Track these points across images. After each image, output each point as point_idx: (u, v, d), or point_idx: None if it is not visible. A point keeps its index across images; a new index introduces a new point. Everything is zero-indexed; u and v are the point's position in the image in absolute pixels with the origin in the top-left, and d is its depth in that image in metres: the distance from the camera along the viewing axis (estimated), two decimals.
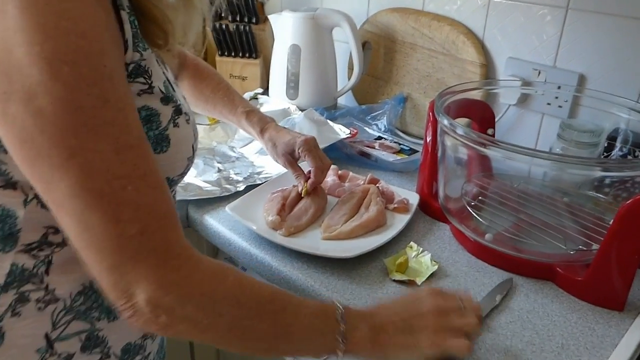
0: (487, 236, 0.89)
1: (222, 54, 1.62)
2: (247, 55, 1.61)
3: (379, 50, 1.44)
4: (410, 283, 0.84)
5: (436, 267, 0.87)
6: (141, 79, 0.59)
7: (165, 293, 0.52)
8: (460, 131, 0.85)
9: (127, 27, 0.56)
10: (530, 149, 0.77)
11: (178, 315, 0.53)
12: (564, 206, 0.97)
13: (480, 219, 0.93)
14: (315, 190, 1.01)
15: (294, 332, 0.59)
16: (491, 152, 0.82)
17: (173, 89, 0.67)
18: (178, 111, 0.64)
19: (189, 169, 0.70)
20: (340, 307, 0.63)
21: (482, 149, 0.83)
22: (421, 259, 0.89)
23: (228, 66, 1.63)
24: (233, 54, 1.61)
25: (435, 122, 0.97)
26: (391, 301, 0.68)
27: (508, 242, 0.88)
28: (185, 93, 1.04)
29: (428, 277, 0.86)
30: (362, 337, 0.62)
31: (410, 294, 0.70)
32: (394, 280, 0.85)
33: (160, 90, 0.61)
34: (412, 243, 0.93)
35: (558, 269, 0.84)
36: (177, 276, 0.53)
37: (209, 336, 0.56)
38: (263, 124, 1.04)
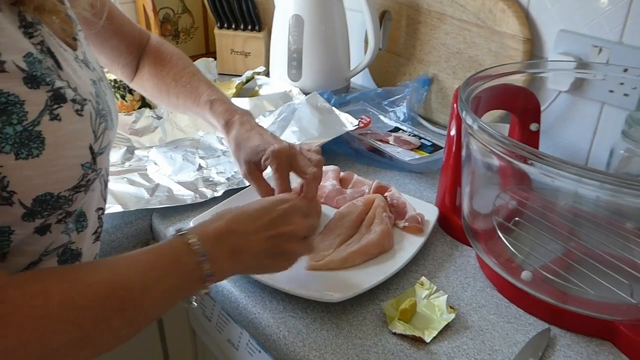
0: (525, 274, 0.67)
1: (221, 27, 1.41)
2: (249, 27, 1.39)
3: (401, 21, 1.20)
4: (415, 340, 0.63)
5: (453, 315, 0.66)
6: None
7: None
8: (486, 136, 0.62)
9: None
10: (591, 170, 0.54)
11: None
12: (627, 235, 0.73)
13: (515, 250, 0.70)
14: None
15: (151, 306, 0.50)
16: (530, 169, 0.59)
17: (58, 65, 0.49)
18: (57, 98, 0.46)
19: (90, 180, 0.52)
20: (194, 239, 0.53)
21: (516, 162, 0.60)
22: (434, 302, 0.68)
23: (228, 40, 1.42)
24: (234, 26, 1.40)
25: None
26: (250, 206, 0.61)
27: (552, 285, 0.66)
28: (146, 85, 0.87)
29: (441, 330, 0.64)
30: (224, 267, 0.56)
31: (272, 199, 0.64)
32: (394, 334, 0.64)
33: (18, 67, 0.43)
34: (423, 278, 0.71)
35: (621, 327, 0.61)
36: None
37: None
38: (229, 115, 0.79)
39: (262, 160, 0.72)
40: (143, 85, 0.89)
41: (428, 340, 0.63)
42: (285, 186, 0.71)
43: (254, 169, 0.75)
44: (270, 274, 0.66)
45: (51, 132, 0.45)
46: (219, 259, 0.55)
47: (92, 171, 0.51)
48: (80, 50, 0.56)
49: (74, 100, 0.48)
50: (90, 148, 0.50)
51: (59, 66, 0.49)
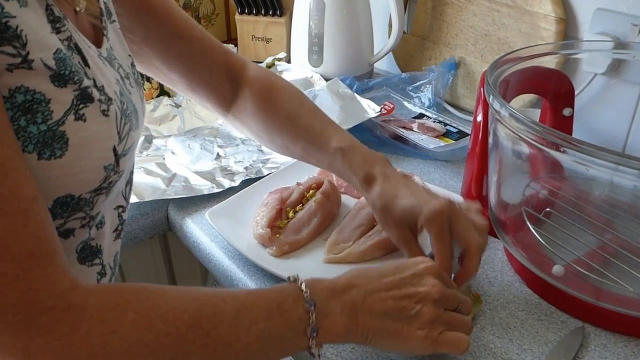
0: (556, 269, 0.63)
1: (242, 12, 1.38)
2: (270, 12, 1.36)
3: (426, 3, 1.15)
4: None
5: (480, 307, 0.62)
6: (8, 48, 0.39)
7: None
8: (514, 122, 0.58)
9: None
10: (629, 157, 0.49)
11: None
12: None
13: (545, 242, 0.66)
14: (325, 192, 0.77)
15: (241, 350, 0.44)
16: (562, 157, 0.55)
17: (85, 62, 0.46)
18: (84, 97, 0.44)
19: (113, 183, 0.50)
20: (304, 286, 0.48)
21: (547, 149, 0.56)
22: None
23: (249, 26, 1.39)
24: (254, 11, 1.37)
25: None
26: (376, 268, 0.53)
27: (586, 280, 0.62)
28: (250, 122, 0.74)
29: None
30: (335, 324, 0.48)
31: (402, 262, 0.54)
32: None
33: (46, 64, 0.41)
34: None
35: None
36: (51, 339, 0.38)
37: None
38: (368, 167, 0.65)
39: (419, 225, 0.60)
40: (246, 122, 0.74)
41: None
42: (447, 255, 0.58)
43: (408, 235, 0.63)
44: (401, 350, 0.53)
45: (75, 133, 0.43)
46: (330, 314, 0.48)
47: (115, 173, 0.49)
48: (105, 47, 0.53)
49: (100, 101, 0.46)
50: (114, 150, 0.48)
51: (85, 63, 0.47)
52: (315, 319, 0.47)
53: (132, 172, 0.61)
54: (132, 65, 0.59)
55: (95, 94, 0.46)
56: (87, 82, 0.45)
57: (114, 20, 0.57)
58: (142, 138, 1.00)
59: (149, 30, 0.66)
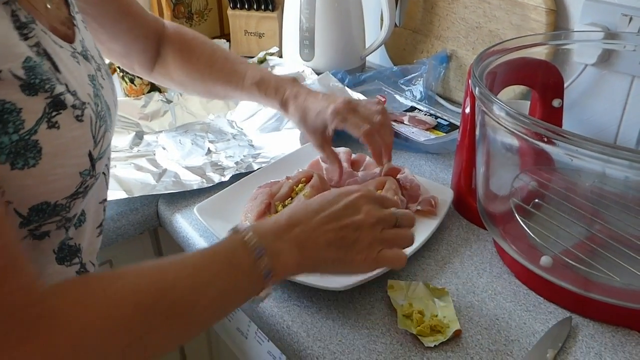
0: (544, 260, 0.62)
1: (234, 7, 1.38)
2: (262, 7, 1.35)
3: None
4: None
5: (456, 327, 0.62)
6: None
7: None
8: (499, 112, 0.58)
9: None
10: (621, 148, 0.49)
11: None
12: None
13: (533, 234, 0.65)
14: (314, 186, 0.77)
15: (205, 310, 0.47)
16: (550, 148, 0.54)
17: (56, 68, 0.45)
18: (57, 104, 0.44)
19: (89, 187, 0.49)
20: (250, 235, 0.49)
21: (532, 140, 0.55)
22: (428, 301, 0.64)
23: (242, 21, 1.38)
24: (247, 6, 1.36)
25: None
26: (312, 200, 0.56)
27: (574, 271, 0.61)
28: (174, 75, 0.82)
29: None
30: (287, 262, 0.51)
31: (336, 191, 0.57)
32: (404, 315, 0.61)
33: (15, 74, 0.40)
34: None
35: None
36: (30, 347, 0.37)
37: None
38: (280, 94, 0.78)
39: (328, 125, 0.73)
40: (169, 75, 0.83)
41: (432, 346, 0.58)
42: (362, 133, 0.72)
43: (322, 139, 0.76)
44: (348, 273, 0.59)
45: (48, 141, 0.43)
46: (280, 253, 0.50)
47: (91, 177, 0.49)
48: (78, 39, 0.52)
49: (74, 106, 0.45)
50: (90, 155, 0.48)
51: (56, 69, 0.46)
52: (268, 262, 0.49)
53: (110, 161, 0.61)
54: (100, 55, 0.59)
55: (69, 99, 0.45)
56: (59, 89, 0.44)
57: (77, 12, 0.57)
58: (133, 134, 1.00)
59: (100, 9, 0.71)
